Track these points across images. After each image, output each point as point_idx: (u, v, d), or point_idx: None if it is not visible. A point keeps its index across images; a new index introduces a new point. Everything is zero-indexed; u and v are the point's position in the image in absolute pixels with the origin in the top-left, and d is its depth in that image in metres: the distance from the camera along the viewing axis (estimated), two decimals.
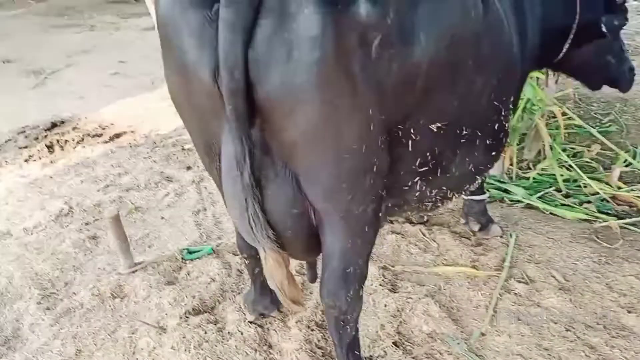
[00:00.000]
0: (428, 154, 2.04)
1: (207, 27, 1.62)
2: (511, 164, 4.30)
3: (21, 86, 7.02)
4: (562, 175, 4.15)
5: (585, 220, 3.64)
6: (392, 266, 3.21)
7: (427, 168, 2.07)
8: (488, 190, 4.09)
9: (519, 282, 3.03)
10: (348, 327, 2.17)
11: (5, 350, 2.72)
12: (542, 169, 4.31)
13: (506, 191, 4.11)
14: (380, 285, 3.01)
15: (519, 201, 3.97)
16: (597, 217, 3.62)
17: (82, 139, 5.27)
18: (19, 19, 11.41)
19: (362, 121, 1.71)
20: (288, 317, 2.82)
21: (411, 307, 2.84)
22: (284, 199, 1.92)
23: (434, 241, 3.43)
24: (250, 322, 2.76)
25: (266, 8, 1.56)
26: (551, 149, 4.27)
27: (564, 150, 4.54)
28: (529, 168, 4.39)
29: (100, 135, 5.36)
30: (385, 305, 2.86)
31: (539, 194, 4.02)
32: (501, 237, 3.48)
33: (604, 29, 3.19)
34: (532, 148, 4.53)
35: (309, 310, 2.83)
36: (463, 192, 2.54)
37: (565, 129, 4.95)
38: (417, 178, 2.10)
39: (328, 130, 1.71)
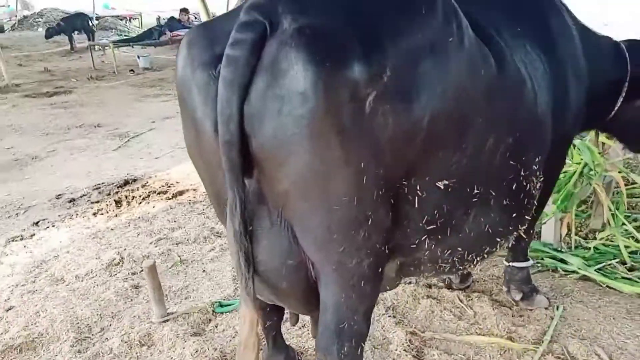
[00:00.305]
0: (436, 211, 1.97)
1: (211, 85, 1.74)
2: (569, 232, 4.04)
3: (106, 147, 7.62)
4: (627, 246, 3.85)
5: None
6: (422, 332, 3.05)
7: (434, 226, 2.00)
8: (542, 259, 3.88)
9: (558, 358, 2.78)
10: None
11: None
12: (607, 239, 4.02)
13: (562, 261, 3.86)
14: (404, 350, 2.86)
15: (574, 272, 3.71)
16: None
17: (148, 196, 5.58)
18: (117, 89, 12.53)
19: (353, 174, 1.71)
20: None
21: None
22: (280, 249, 1.94)
23: (471, 308, 3.25)
24: None
25: (261, 66, 1.65)
26: (614, 217, 3.99)
27: (635, 220, 4.25)
28: (595, 237, 4.11)
29: (165, 193, 5.64)
30: None
31: (598, 266, 3.74)
32: (546, 308, 3.24)
33: None
34: (597, 216, 4.27)
35: None
36: (485, 256, 2.40)
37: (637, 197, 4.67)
38: (425, 236, 2.03)
39: (317, 181, 1.73)
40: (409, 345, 2.92)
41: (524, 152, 2.17)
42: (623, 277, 3.58)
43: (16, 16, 32.51)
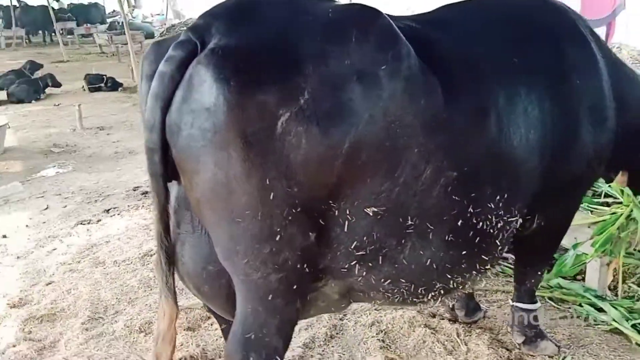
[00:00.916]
0: (365, 238, 1.94)
1: None
2: (615, 278, 3.65)
3: None
4: None
5: None
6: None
7: (364, 253, 1.97)
8: (579, 305, 3.54)
9: None
10: None
11: (35, 356, 3.13)
12: None
13: (601, 309, 3.48)
14: None
15: (606, 323, 3.34)
16: None
17: None
18: None
19: (257, 189, 1.75)
20: None
21: None
22: (200, 254, 2.05)
23: (466, 344, 3.05)
24: None
25: (182, 82, 1.77)
26: None
27: None
28: None
29: None
30: None
31: None
32: (551, 357, 2.95)
33: None
34: None
35: None
36: (442, 292, 2.26)
37: None
38: (355, 262, 1.99)
39: (221, 192, 1.80)
40: None
41: (475, 188, 2.05)
42: None
43: (165, 24, 35.63)
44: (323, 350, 3.05)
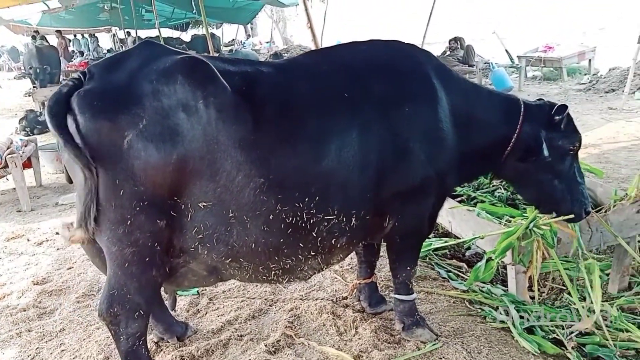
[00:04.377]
0: (201, 224, 2.63)
1: None
2: (531, 286, 3.98)
3: None
4: None
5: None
6: (298, 337, 3.53)
7: (202, 236, 2.65)
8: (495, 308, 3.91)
9: None
10: (122, 337, 2.75)
11: (35, 318, 4.12)
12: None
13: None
14: (265, 345, 3.39)
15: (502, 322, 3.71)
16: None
17: None
18: None
19: (110, 187, 2.48)
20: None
21: None
22: None
23: (355, 329, 3.58)
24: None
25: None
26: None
27: None
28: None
29: None
30: None
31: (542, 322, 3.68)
32: (423, 342, 3.40)
33: (543, 146, 3.17)
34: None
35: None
36: (279, 272, 2.90)
37: None
38: (197, 243, 2.68)
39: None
40: (275, 342, 3.44)
41: (281, 192, 2.65)
42: (548, 338, 3.51)
43: (268, 51, 37.84)
44: (240, 326, 3.71)
